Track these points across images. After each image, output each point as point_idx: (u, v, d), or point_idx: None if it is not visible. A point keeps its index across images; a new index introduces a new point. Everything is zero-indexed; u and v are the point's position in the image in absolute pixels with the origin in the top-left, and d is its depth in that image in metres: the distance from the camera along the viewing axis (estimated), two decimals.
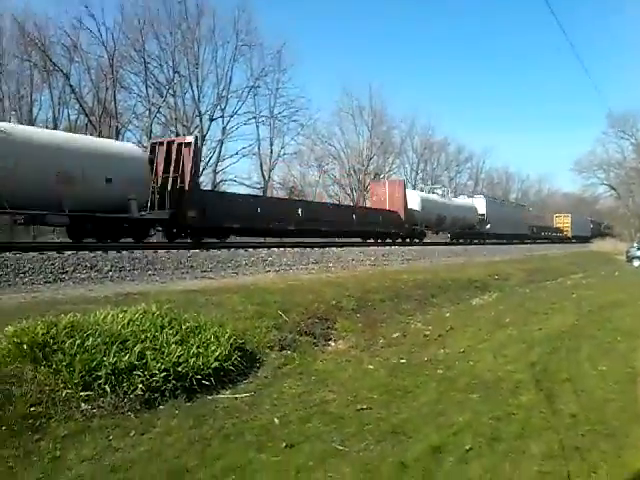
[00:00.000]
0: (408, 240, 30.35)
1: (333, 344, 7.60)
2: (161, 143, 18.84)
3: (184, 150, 17.79)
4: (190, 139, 18.62)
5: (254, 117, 46.27)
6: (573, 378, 6.11)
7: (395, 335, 8.27)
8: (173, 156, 17.70)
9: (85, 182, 14.31)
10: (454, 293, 12.58)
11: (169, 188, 17.30)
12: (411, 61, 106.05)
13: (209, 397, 5.10)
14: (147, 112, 40.50)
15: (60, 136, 16.16)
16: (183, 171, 17.55)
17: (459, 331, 8.77)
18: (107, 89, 38.67)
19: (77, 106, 37.17)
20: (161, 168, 17.62)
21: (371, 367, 6.52)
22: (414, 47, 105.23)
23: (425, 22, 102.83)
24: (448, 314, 10.36)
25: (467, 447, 4.20)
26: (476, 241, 38.37)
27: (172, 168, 17.59)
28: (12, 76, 37.34)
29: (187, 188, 17.54)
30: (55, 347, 4.94)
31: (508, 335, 8.55)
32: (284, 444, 4.15)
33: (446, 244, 33.06)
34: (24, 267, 10.17)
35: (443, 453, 4.09)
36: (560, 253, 32.39)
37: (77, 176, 14.22)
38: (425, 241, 32.58)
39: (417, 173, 65.73)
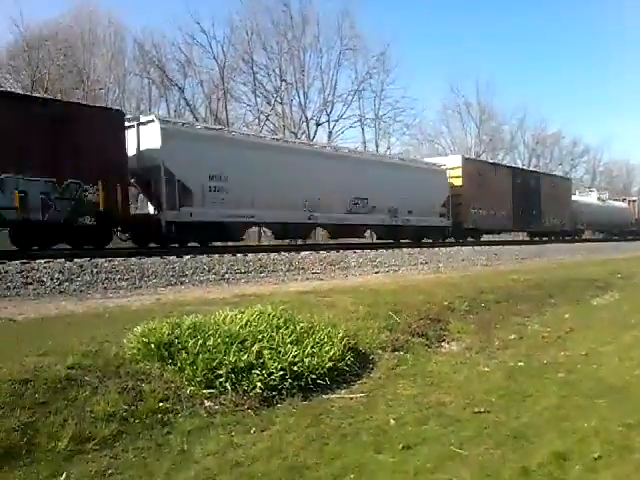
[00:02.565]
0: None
1: (446, 346, 7.47)
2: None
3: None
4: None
5: (359, 120, 46.66)
6: None
7: (511, 337, 7.99)
8: None
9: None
10: (573, 293, 11.97)
11: None
12: (520, 52, 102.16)
13: (324, 396, 5.18)
14: (257, 120, 41.95)
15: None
16: None
17: (580, 333, 8.33)
18: (219, 100, 40.58)
19: (191, 118, 39.06)
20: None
21: (487, 370, 6.34)
22: (522, 38, 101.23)
23: (533, 12, 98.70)
24: (567, 315, 9.87)
25: (595, 455, 3.96)
26: None
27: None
28: (133, 94, 40.02)
29: None
30: (179, 346, 5.20)
31: (635, 337, 8.00)
32: (401, 445, 4.12)
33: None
34: (148, 271, 10.83)
35: (569, 460, 3.89)
36: None
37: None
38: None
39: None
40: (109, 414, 4.10)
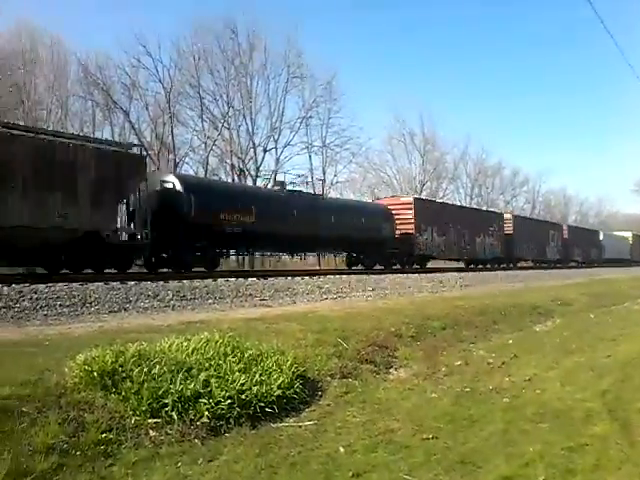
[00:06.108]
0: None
1: (394, 372, 7.51)
2: None
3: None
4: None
5: (306, 147, 46.98)
6: None
7: (457, 363, 8.10)
8: None
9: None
10: (516, 319, 12.28)
11: None
12: (462, 84, 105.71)
13: (273, 425, 5.11)
14: (203, 145, 41.73)
15: None
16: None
17: (524, 359, 8.52)
18: (164, 124, 40.13)
19: (136, 141, 38.43)
20: None
21: (435, 396, 6.39)
22: (465, 71, 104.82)
23: (475, 46, 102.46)
24: (511, 341, 10.10)
25: (540, 479, 4.05)
26: None
27: None
28: (76, 116, 39.18)
29: None
30: (123, 375, 5.05)
31: (575, 362, 8.25)
32: (351, 473, 4.09)
33: None
34: (90, 297, 10.50)
35: None
36: (623, 277, 31.12)
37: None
38: None
39: (472, 198, 65.08)
40: (48, 446, 3.92)
